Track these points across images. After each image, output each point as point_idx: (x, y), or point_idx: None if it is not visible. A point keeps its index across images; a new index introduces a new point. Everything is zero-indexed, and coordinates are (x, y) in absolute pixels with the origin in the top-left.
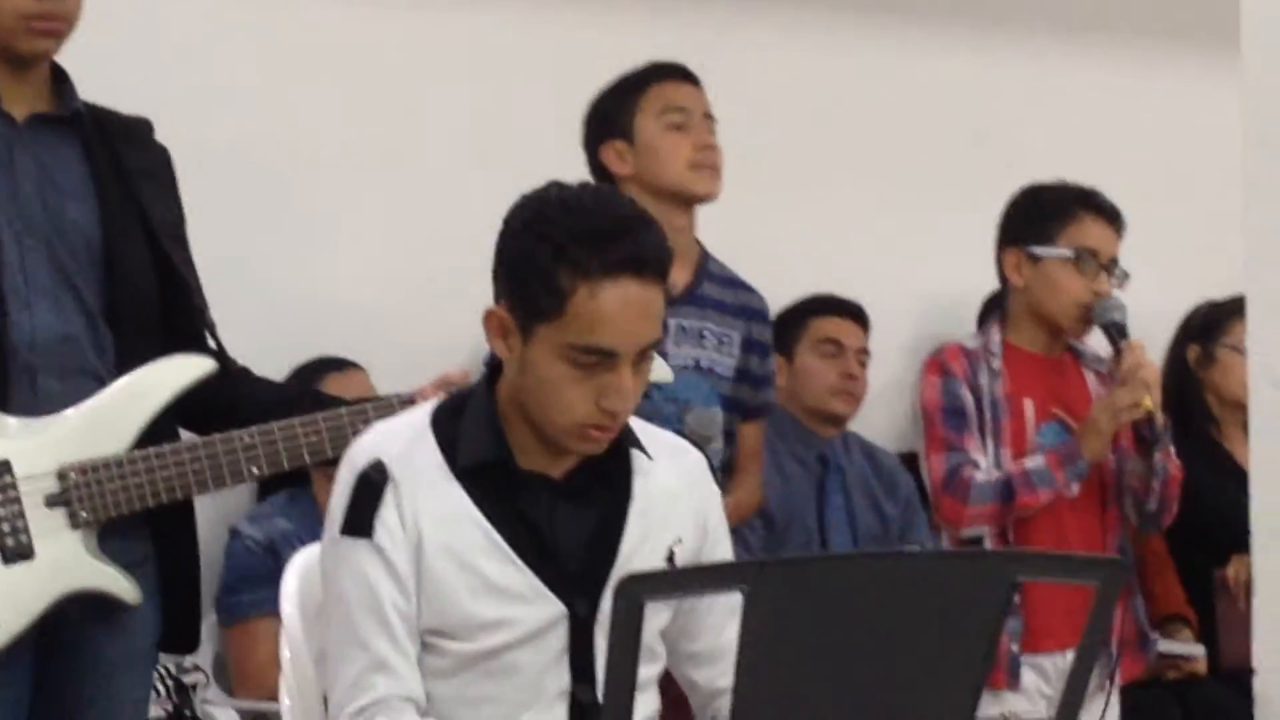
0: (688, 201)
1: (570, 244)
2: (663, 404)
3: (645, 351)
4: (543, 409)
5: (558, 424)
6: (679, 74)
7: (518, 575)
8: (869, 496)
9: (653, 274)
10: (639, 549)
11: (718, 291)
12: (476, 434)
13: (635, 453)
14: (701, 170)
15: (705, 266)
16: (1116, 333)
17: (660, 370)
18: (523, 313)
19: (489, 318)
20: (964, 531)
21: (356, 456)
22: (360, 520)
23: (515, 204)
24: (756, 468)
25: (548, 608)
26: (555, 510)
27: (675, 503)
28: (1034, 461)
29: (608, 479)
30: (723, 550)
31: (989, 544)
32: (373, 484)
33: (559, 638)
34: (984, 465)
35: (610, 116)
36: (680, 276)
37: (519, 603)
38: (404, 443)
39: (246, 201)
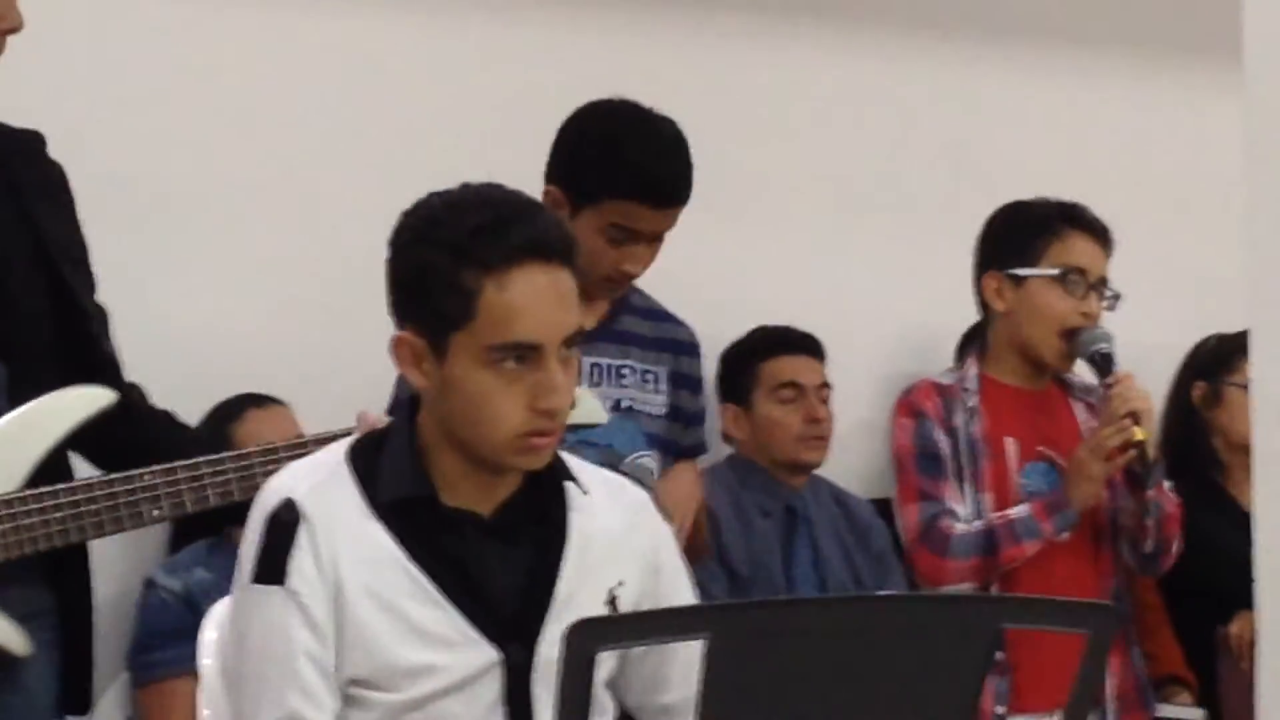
0: None
1: (466, 240)
2: (584, 450)
3: (569, 342)
4: (475, 428)
5: (494, 440)
6: None
7: (445, 619)
8: (840, 548)
9: (558, 256)
10: (577, 592)
11: (638, 325)
12: (397, 469)
13: (570, 487)
14: None
15: (626, 299)
16: (1103, 365)
17: (591, 409)
18: (432, 328)
19: (397, 345)
20: (944, 588)
21: (266, 497)
22: (272, 566)
23: (398, 221)
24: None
25: (479, 654)
26: (484, 549)
27: (616, 543)
28: (1018, 510)
29: (541, 516)
30: (682, 587)
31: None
32: (284, 525)
33: (492, 687)
34: (963, 514)
35: None
36: (594, 310)
37: (447, 648)
38: (318, 480)
39: (151, 228)
